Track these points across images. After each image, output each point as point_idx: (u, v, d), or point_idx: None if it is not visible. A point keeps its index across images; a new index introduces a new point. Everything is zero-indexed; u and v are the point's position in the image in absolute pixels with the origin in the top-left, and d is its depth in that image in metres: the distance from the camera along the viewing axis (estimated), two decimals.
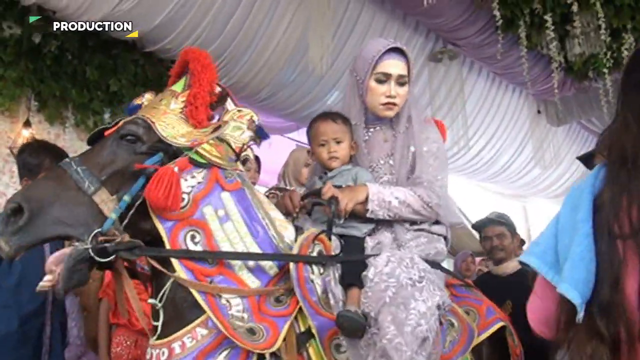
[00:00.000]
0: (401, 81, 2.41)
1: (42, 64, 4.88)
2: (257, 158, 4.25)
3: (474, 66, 6.80)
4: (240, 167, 2.08)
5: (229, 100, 2.08)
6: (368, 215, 2.26)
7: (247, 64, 5.24)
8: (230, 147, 2.05)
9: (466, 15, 5.70)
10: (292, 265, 2.00)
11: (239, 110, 2.09)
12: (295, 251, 2.04)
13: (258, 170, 4.19)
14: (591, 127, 8.09)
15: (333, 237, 2.16)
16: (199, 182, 1.94)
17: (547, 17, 5.21)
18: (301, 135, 5.54)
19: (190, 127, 1.97)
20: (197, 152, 1.93)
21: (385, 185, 2.34)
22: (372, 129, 2.49)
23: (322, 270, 2.11)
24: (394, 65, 2.41)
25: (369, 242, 2.26)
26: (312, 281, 2.05)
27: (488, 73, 6.95)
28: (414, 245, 2.28)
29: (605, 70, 5.87)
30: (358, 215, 2.26)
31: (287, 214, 2.29)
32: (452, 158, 7.12)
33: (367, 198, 2.25)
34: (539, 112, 7.60)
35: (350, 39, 5.61)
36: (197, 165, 1.94)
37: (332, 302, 2.05)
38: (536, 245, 1.48)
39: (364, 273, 2.08)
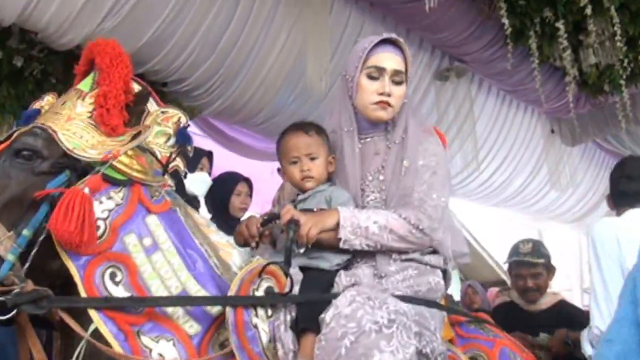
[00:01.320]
0: (397, 79, 2.08)
1: (24, 89, 4.59)
2: (247, 180, 3.92)
3: (483, 84, 6.48)
4: (169, 181, 1.72)
5: (151, 100, 1.74)
6: (342, 245, 1.90)
7: (242, 84, 4.94)
8: (155, 157, 1.69)
9: (472, 28, 5.40)
10: (228, 307, 1.63)
11: (163, 112, 1.73)
12: (233, 288, 1.65)
13: (250, 194, 3.85)
14: (607, 147, 7.73)
15: (294, 270, 1.80)
16: (117, 205, 1.59)
17: (560, 25, 4.90)
18: None
19: (103, 135, 1.60)
20: (112, 167, 1.58)
21: (363, 209, 1.97)
22: (362, 140, 2.14)
23: (270, 313, 1.72)
24: (388, 58, 2.08)
25: (343, 278, 1.89)
26: (256, 326, 1.68)
27: (498, 91, 6.63)
28: (400, 279, 1.91)
29: (622, 82, 5.54)
30: (330, 246, 1.91)
31: (244, 244, 1.95)
32: (463, 182, 6.78)
33: (338, 224, 1.90)
34: (552, 131, 7.25)
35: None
36: (114, 183, 1.60)
37: (280, 352, 1.68)
38: (609, 344, 1.11)
39: (322, 315, 1.70)
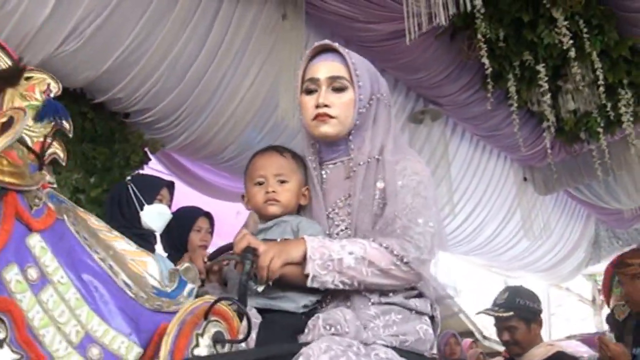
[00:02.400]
0: (337, 85, 1.77)
1: None
2: (208, 215, 3.61)
3: (457, 128, 6.33)
4: (48, 176, 1.29)
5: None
6: (310, 282, 1.57)
7: (209, 117, 4.65)
8: (26, 146, 1.24)
9: (450, 69, 5.25)
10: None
11: (27, 78, 1.25)
12: (171, 333, 1.28)
13: (211, 231, 3.54)
14: (579, 196, 7.62)
15: (251, 312, 1.46)
16: None
17: (540, 68, 4.77)
18: None
19: None
20: None
21: (335, 239, 1.66)
22: (331, 165, 1.84)
23: None
24: (322, 67, 1.79)
25: (321, 324, 1.57)
26: None
27: (471, 136, 6.49)
28: (381, 326, 1.59)
29: (600, 130, 5.43)
30: (296, 284, 1.59)
31: None
32: None
33: (305, 256, 1.57)
34: (525, 179, 7.12)
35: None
36: None
37: None
38: None
39: None
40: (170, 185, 3.35)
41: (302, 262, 1.58)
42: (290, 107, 4.40)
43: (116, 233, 1.40)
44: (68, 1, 3.60)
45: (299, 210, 1.82)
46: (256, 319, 1.54)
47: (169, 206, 3.24)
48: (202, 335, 1.34)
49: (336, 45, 1.83)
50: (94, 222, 1.38)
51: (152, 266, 1.38)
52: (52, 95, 1.29)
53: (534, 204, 7.22)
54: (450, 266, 8.34)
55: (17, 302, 1.18)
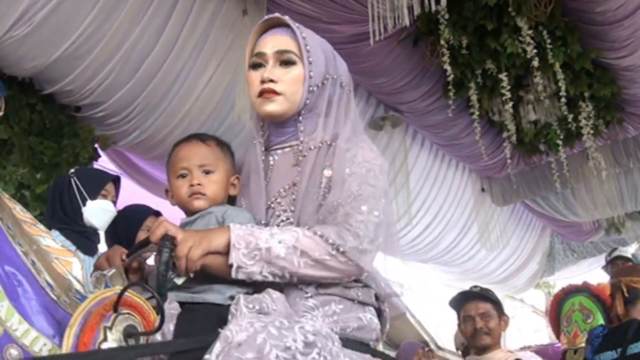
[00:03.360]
0: (284, 58, 1.62)
1: None
2: (158, 214, 3.41)
3: (417, 136, 6.27)
4: None
5: None
6: (234, 273, 1.41)
7: (163, 115, 4.47)
8: None
9: (412, 75, 5.19)
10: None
11: None
12: (74, 325, 1.14)
13: None
14: (536, 208, 7.64)
15: (170, 306, 1.38)
16: None
17: (502, 77, 4.73)
18: None
19: None
20: None
21: (265, 227, 1.50)
22: (279, 150, 1.69)
23: None
24: (271, 41, 1.65)
25: (243, 304, 1.43)
26: None
27: (431, 145, 6.44)
28: (320, 316, 1.43)
29: (559, 142, 5.43)
30: (220, 276, 1.46)
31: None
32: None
33: (229, 244, 1.43)
34: (482, 190, 7.11)
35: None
36: None
37: None
38: None
39: (206, 356, 1.22)
40: (117, 180, 3.16)
41: (227, 251, 1.42)
42: (247, 106, 4.25)
43: (42, 227, 1.24)
44: None
45: (229, 201, 1.68)
46: (175, 310, 1.42)
47: (114, 202, 3.06)
48: (110, 328, 1.18)
49: (286, 18, 1.68)
50: (19, 212, 1.23)
51: (77, 268, 1.23)
52: None
53: (492, 215, 7.21)
54: (403, 276, 8.30)
55: None
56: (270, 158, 1.68)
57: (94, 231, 2.95)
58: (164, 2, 4.03)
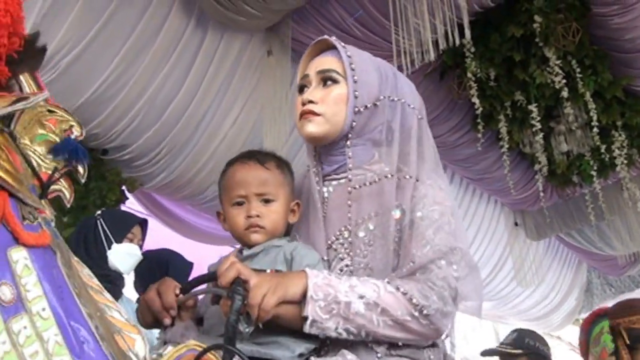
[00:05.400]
0: (326, 76, 1.52)
1: None
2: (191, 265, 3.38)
3: (446, 170, 6.18)
4: (48, 210, 1.05)
5: (38, 96, 1.01)
6: (307, 328, 1.29)
7: (190, 156, 4.47)
8: (32, 168, 1.03)
9: (440, 109, 5.13)
10: None
11: (50, 110, 1.09)
12: None
13: None
14: (571, 242, 7.46)
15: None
16: None
17: (532, 108, 4.64)
18: None
19: None
20: None
21: (341, 275, 1.37)
22: (334, 182, 1.55)
23: None
24: (315, 63, 1.55)
25: None
26: None
27: (461, 179, 6.34)
28: None
29: (593, 173, 5.29)
30: (289, 327, 1.32)
31: (151, 323, 1.33)
32: None
33: (305, 294, 1.30)
34: (516, 224, 6.96)
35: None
36: None
37: None
38: None
39: None
40: (144, 223, 3.12)
41: (301, 300, 1.29)
42: (274, 145, 4.23)
43: (108, 296, 1.11)
44: (44, 30, 3.44)
45: (288, 229, 1.54)
46: None
47: (141, 246, 3.02)
48: None
49: (333, 39, 1.59)
50: (86, 275, 1.11)
51: (140, 347, 1.06)
52: (74, 136, 1.12)
53: (526, 250, 7.05)
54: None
55: None
56: (325, 190, 1.55)
57: (118, 275, 2.91)
58: (190, 45, 4.05)
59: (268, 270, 1.36)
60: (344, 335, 1.30)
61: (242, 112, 4.49)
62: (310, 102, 1.50)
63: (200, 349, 1.10)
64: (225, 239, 5.76)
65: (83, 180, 1.09)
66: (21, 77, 0.99)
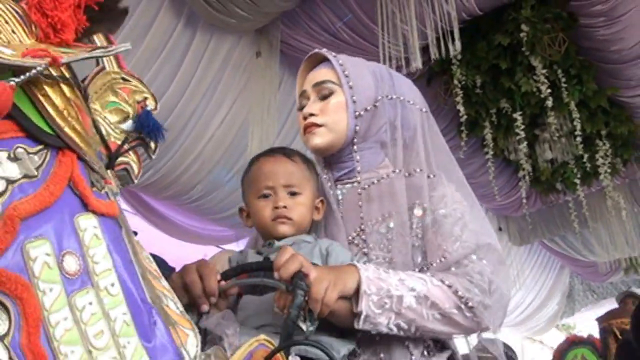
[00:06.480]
0: (323, 91, 1.55)
1: None
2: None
3: None
4: (113, 180, 0.94)
5: (111, 57, 1.00)
6: (361, 323, 1.26)
7: (176, 156, 4.46)
8: (101, 135, 0.95)
9: None
10: None
11: (124, 79, 1.01)
12: None
13: None
14: (554, 247, 7.53)
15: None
16: (27, 176, 0.76)
17: (517, 116, 4.69)
18: (242, 247, 4.70)
19: (32, 39, 0.80)
20: (36, 107, 0.78)
21: (389, 268, 1.36)
22: (348, 185, 1.57)
23: None
24: (310, 77, 1.59)
25: None
26: None
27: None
28: None
29: (577, 181, 5.35)
30: (340, 323, 1.29)
31: (187, 306, 1.17)
32: None
33: (357, 288, 1.27)
34: (500, 229, 7.02)
35: (299, 136, 4.91)
36: (31, 134, 0.77)
37: None
38: None
39: None
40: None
41: (354, 295, 1.27)
42: (260, 147, 4.24)
43: (165, 284, 0.99)
44: None
45: (311, 228, 1.52)
46: None
47: None
48: None
49: (324, 51, 1.62)
50: (146, 258, 0.99)
51: (191, 343, 0.94)
52: (148, 108, 1.05)
53: (508, 253, 7.11)
54: None
55: (36, 291, 0.74)
56: (339, 192, 1.57)
57: None
58: (178, 44, 4.06)
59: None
60: (394, 330, 1.29)
61: (230, 113, 4.50)
62: (311, 114, 1.54)
63: (270, 345, 1.02)
64: (209, 238, 5.77)
65: (153, 156, 1.04)
66: (95, 38, 0.92)
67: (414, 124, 1.58)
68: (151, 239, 4.88)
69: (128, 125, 1.00)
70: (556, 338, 10.37)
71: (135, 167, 1.04)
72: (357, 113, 1.54)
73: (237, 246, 5.38)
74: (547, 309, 8.40)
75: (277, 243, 1.42)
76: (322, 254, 1.38)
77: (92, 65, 0.96)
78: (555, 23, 4.26)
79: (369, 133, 1.57)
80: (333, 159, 1.59)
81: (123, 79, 1.01)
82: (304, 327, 1.15)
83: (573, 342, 4.13)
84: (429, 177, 1.50)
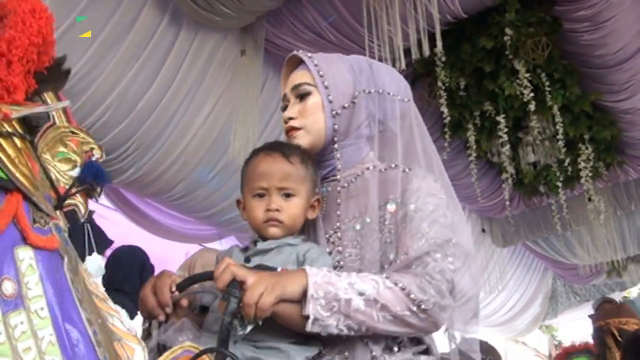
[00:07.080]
0: (300, 92, 1.58)
1: None
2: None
3: None
4: (61, 219, 1.10)
5: (59, 111, 1.12)
6: (309, 326, 1.30)
7: (159, 153, 4.44)
8: (50, 180, 1.10)
9: None
10: None
11: (73, 132, 1.15)
12: None
13: None
14: (537, 250, 7.57)
15: None
16: None
17: (500, 119, 4.71)
18: (224, 246, 4.70)
19: None
20: None
21: (341, 271, 1.39)
22: (332, 182, 1.59)
23: None
24: (290, 80, 1.62)
25: None
26: None
27: None
28: None
29: (559, 184, 5.38)
30: (290, 326, 1.33)
31: (148, 317, 1.31)
32: None
33: (305, 293, 1.30)
34: (483, 230, 7.05)
35: (283, 135, 4.90)
36: None
37: None
38: None
39: None
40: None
41: (302, 299, 1.29)
42: (242, 146, 4.24)
43: (112, 305, 1.14)
44: None
45: (305, 224, 1.55)
46: None
47: None
48: None
49: (299, 52, 1.64)
50: (93, 283, 1.15)
51: (139, 356, 1.09)
52: (94, 158, 1.20)
53: (491, 255, 7.14)
54: None
55: None
56: (324, 190, 1.60)
57: None
58: (163, 41, 4.03)
59: (279, 269, 1.36)
60: (345, 331, 1.32)
61: (214, 111, 4.49)
62: (290, 118, 1.56)
63: (195, 351, 1.12)
64: (192, 237, 5.76)
65: (98, 197, 1.18)
66: (45, 95, 1.08)
67: (394, 117, 1.60)
68: (133, 236, 4.87)
69: (76, 172, 1.15)
70: (538, 339, 10.44)
71: (82, 207, 1.17)
72: (334, 112, 1.56)
73: (220, 245, 5.36)
74: (531, 310, 8.45)
75: (259, 245, 1.47)
76: (298, 261, 1.41)
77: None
78: (540, 27, 4.27)
79: (349, 130, 1.58)
80: (317, 158, 1.61)
81: (72, 132, 1.17)
82: (241, 331, 1.22)
83: (570, 353, 4.14)
84: (404, 171, 1.51)
